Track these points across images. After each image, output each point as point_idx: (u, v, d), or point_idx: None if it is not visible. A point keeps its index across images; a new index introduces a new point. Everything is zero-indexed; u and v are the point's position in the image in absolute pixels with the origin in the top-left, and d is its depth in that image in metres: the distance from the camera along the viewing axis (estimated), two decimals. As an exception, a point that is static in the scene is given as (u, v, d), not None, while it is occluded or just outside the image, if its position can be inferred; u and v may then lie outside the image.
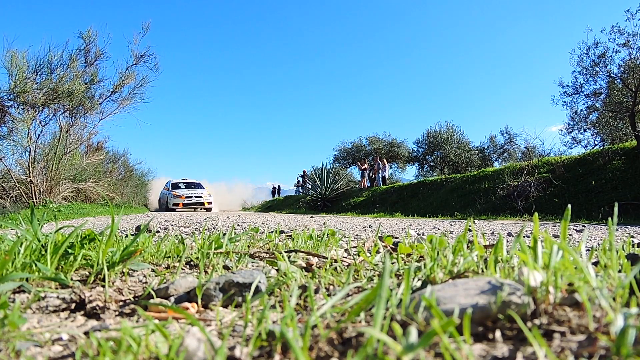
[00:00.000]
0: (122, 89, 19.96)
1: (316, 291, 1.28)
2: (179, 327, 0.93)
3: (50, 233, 1.56)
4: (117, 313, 1.09)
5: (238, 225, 7.60)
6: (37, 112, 19.20)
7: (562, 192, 14.39)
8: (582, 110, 20.29)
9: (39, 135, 19.88)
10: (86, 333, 0.92)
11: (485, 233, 6.03)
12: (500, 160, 32.20)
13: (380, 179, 27.00)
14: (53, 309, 1.12)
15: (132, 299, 1.21)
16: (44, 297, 1.20)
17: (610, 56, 18.02)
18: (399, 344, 0.63)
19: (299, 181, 34.44)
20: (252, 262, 1.93)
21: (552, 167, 16.75)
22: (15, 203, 18.22)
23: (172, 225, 7.74)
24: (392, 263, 1.60)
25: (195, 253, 1.90)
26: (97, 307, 1.09)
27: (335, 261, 1.72)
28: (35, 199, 18.03)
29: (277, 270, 1.58)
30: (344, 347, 0.74)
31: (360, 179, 29.28)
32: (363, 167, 28.76)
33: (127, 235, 2.28)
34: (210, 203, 25.49)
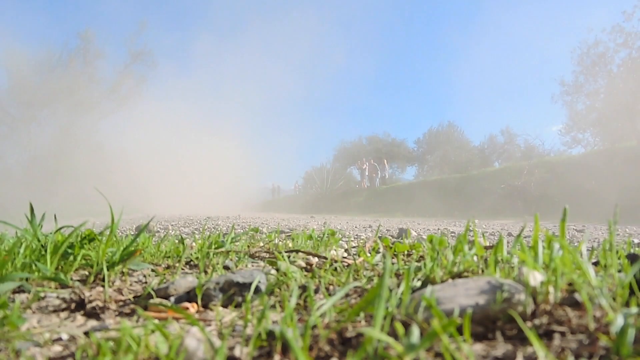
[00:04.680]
0: (119, 88, 19.97)
1: (316, 291, 1.28)
2: (179, 327, 0.93)
3: (50, 233, 1.56)
4: (117, 313, 1.08)
5: (238, 225, 7.60)
6: (36, 112, 19.24)
7: (562, 192, 14.39)
8: (582, 109, 20.31)
9: (39, 135, 19.91)
10: (86, 333, 0.92)
11: (485, 233, 6.03)
12: (500, 160, 32.20)
13: (380, 179, 27.02)
14: (53, 309, 1.11)
15: (132, 299, 1.20)
16: (44, 297, 1.20)
17: (611, 56, 18.05)
18: (400, 344, 0.63)
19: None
20: (252, 262, 1.93)
21: (552, 167, 16.76)
22: (15, 203, 18.23)
23: (172, 225, 7.74)
24: (392, 263, 1.60)
25: (195, 253, 1.90)
26: (97, 307, 1.09)
27: (335, 261, 1.72)
28: (35, 198, 18.05)
29: (277, 270, 1.58)
30: (344, 347, 0.74)
31: (360, 179, 29.28)
32: (363, 167, 28.76)
33: (127, 235, 2.28)
34: None
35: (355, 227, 7.73)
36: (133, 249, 1.51)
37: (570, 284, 0.91)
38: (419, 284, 1.12)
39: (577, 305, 0.83)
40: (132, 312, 1.09)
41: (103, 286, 1.33)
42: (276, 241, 2.53)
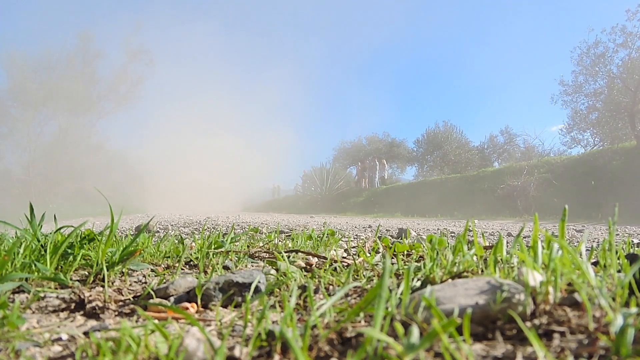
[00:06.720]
0: (118, 88, 19.99)
1: (316, 291, 1.28)
2: (179, 327, 0.93)
3: (50, 233, 1.56)
4: (116, 313, 1.08)
5: (238, 225, 7.60)
6: (36, 112, 19.25)
7: (562, 192, 14.39)
8: (582, 109, 20.31)
9: (39, 135, 19.91)
10: (86, 333, 0.92)
11: (485, 233, 6.03)
12: (500, 160, 32.16)
13: (379, 179, 27.02)
14: (53, 309, 1.11)
15: (132, 299, 1.20)
16: (44, 297, 1.20)
17: (610, 56, 18.05)
18: (399, 344, 0.63)
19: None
20: (252, 262, 1.93)
21: (552, 167, 16.76)
22: (15, 203, 18.22)
23: (172, 225, 7.74)
24: (392, 263, 1.60)
25: (195, 253, 1.90)
26: (97, 307, 1.08)
27: (335, 261, 1.72)
28: (35, 198, 18.03)
29: (276, 270, 1.58)
30: (343, 347, 0.74)
31: (359, 179, 29.27)
32: (363, 167, 28.74)
33: (126, 236, 2.28)
34: None
35: (355, 227, 7.73)
36: (133, 249, 1.51)
37: (569, 284, 0.91)
38: (418, 284, 1.12)
39: (576, 305, 0.83)
40: (132, 312, 1.09)
41: (103, 286, 1.33)
42: (276, 241, 2.53)
